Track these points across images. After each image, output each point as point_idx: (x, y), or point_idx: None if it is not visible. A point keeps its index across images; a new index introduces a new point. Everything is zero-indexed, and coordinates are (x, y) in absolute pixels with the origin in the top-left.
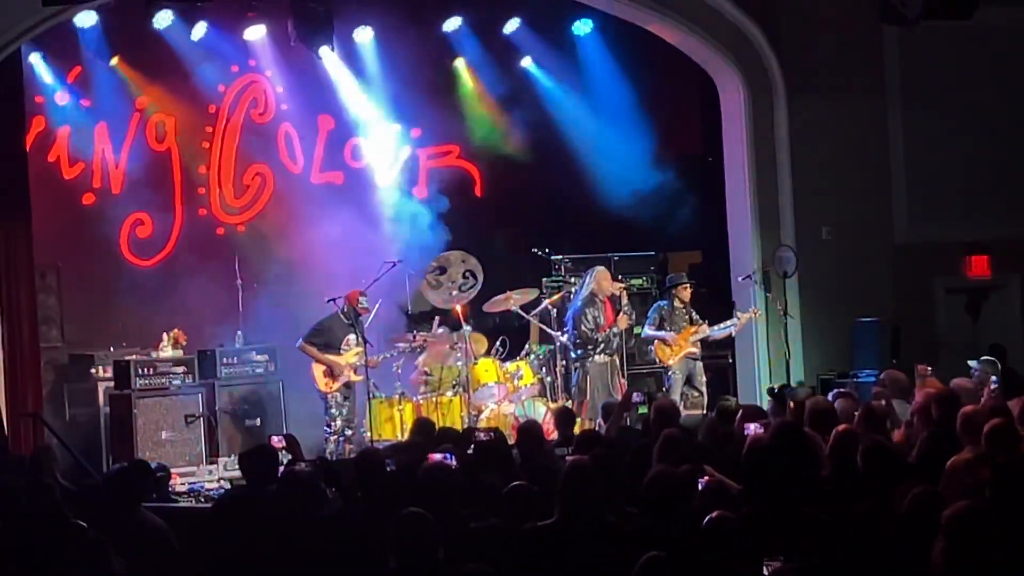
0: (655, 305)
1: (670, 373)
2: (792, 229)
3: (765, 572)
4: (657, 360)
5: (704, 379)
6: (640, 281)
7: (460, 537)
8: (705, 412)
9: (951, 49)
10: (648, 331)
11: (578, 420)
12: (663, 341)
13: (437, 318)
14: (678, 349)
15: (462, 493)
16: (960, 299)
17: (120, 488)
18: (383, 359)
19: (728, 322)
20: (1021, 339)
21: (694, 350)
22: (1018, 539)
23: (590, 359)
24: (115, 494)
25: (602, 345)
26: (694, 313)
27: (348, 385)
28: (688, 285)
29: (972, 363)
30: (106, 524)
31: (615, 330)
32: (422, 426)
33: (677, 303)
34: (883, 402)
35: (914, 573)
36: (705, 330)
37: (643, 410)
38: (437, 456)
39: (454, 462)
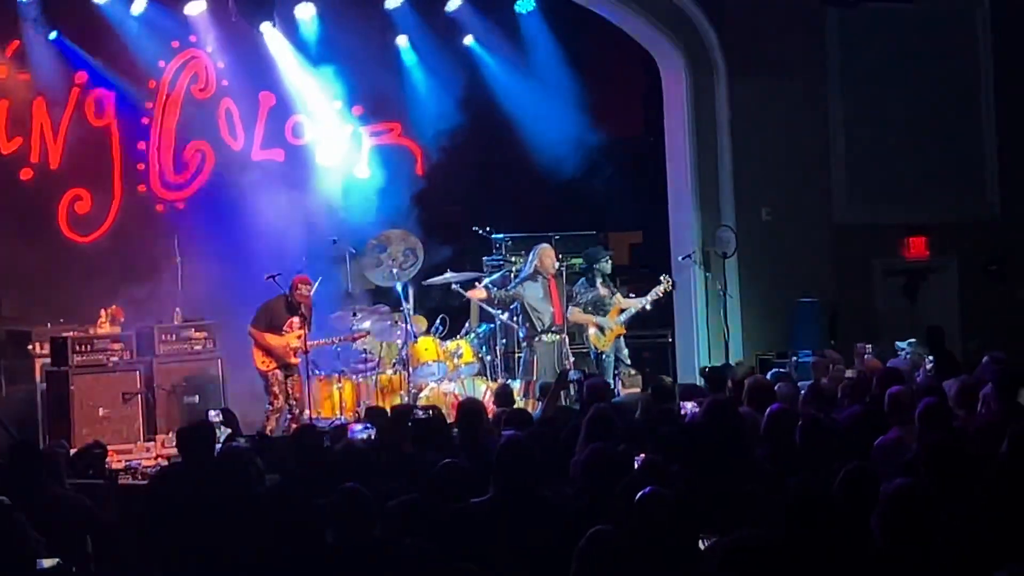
0: (578, 283)
1: (604, 356)
2: (732, 210)
3: (700, 547)
4: (593, 347)
5: (627, 352)
6: (580, 260)
7: (397, 513)
8: (642, 391)
9: (892, 32)
10: (577, 313)
11: (527, 400)
12: (599, 328)
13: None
14: (611, 334)
15: (379, 467)
16: (899, 280)
17: (21, 467)
18: (319, 345)
19: (645, 297)
20: (958, 321)
21: (622, 330)
22: (951, 516)
23: (537, 339)
24: (17, 473)
25: (548, 324)
26: (611, 284)
27: (287, 366)
28: (609, 257)
29: (900, 344)
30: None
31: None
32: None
33: (597, 276)
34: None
35: (846, 548)
36: (629, 304)
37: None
38: (357, 428)
39: (374, 434)
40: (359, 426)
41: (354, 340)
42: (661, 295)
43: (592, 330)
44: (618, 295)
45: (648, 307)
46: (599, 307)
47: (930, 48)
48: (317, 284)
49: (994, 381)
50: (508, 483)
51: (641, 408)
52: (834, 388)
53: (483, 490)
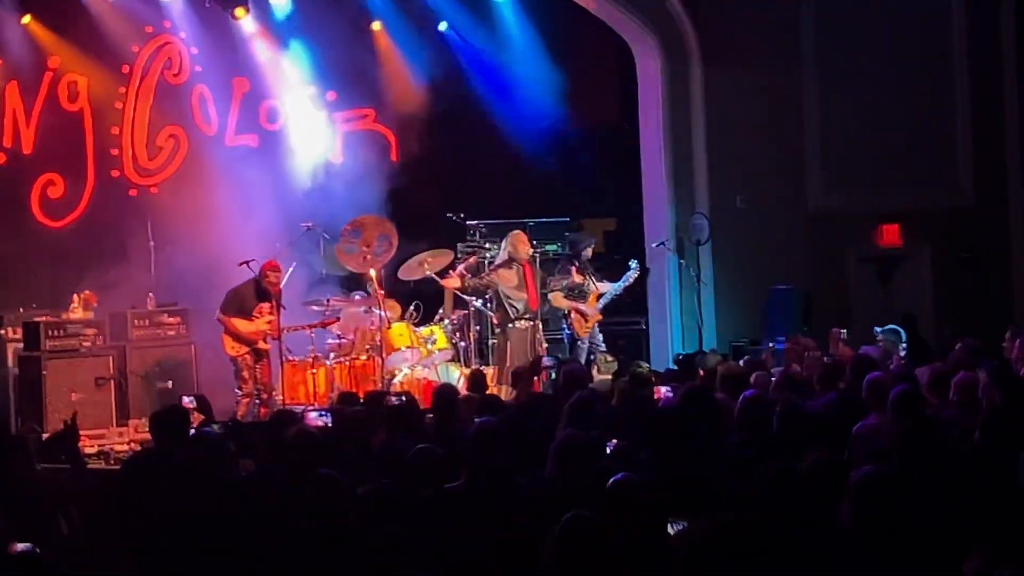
0: (560, 267)
1: (579, 342)
2: (706, 197)
3: (669, 533)
4: (574, 333)
5: (602, 338)
6: (555, 247)
7: (371, 500)
8: (614, 377)
9: (867, 21)
10: (559, 299)
11: (500, 386)
12: (581, 314)
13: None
14: (592, 320)
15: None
16: (872, 268)
17: None
18: (291, 331)
19: (618, 283)
20: (931, 308)
21: (600, 317)
22: (923, 503)
23: (511, 325)
24: None
25: (522, 310)
26: (590, 270)
27: (257, 350)
28: (591, 245)
29: (878, 329)
30: None
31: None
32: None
33: (575, 265)
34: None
35: (816, 534)
36: (605, 289)
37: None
38: (312, 415)
39: (329, 421)
40: (314, 412)
41: (325, 326)
42: (632, 281)
43: (574, 316)
44: (594, 281)
45: (620, 292)
46: (579, 294)
47: (905, 36)
48: (290, 270)
49: (990, 373)
50: (480, 469)
51: (617, 394)
52: (807, 374)
53: (457, 476)
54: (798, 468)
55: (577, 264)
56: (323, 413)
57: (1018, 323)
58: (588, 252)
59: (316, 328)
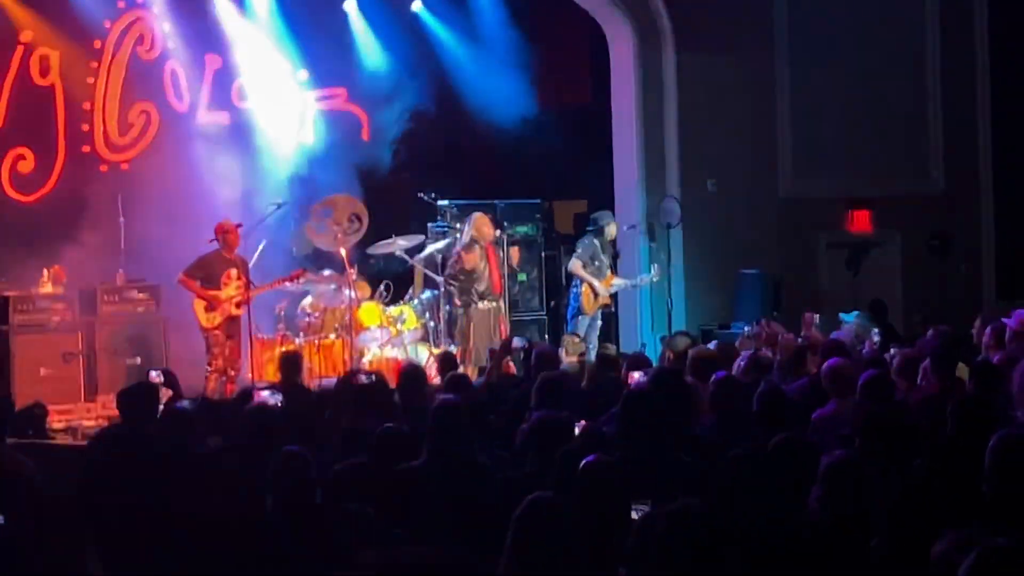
0: (587, 241)
1: (580, 318)
2: (678, 181)
3: (634, 516)
4: (580, 306)
5: (599, 325)
6: (525, 228)
7: (335, 477)
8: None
9: (839, 6)
10: (578, 267)
11: (464, 366)
12: (592, 290)
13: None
14: (600, 301)
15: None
16: (842, 253)
17: None
18: (263, 290)
19: (642, 277)
20: (901, 295)
21: (608, 302)
22: (891, 487)
23: (473, 305)
24: None
25: (485, 291)
26: (610, 253)
27: (231, 320)
28: (615, 222)
29: (845, 316)
30: None
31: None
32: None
33: (608, 243)
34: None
35: (782, 515)
36: (616, 283)
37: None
38: (264, 394)
39: (280, 400)
40: (266, 391)
41: (293, 280)
42: (643, 283)
43: (585, 289)
44: (611, 263)
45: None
46: (597, 272)
47: (877, 22)
48: (260, 248)
49: (932, 355)
50: (440, 447)
51: (587, 376)
52: (776, 357)
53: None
54: (767, 450)
55: (598, 239)
56: (274, 392)
57: (987, 310)
58: (611, 230)
59: (282, 284)
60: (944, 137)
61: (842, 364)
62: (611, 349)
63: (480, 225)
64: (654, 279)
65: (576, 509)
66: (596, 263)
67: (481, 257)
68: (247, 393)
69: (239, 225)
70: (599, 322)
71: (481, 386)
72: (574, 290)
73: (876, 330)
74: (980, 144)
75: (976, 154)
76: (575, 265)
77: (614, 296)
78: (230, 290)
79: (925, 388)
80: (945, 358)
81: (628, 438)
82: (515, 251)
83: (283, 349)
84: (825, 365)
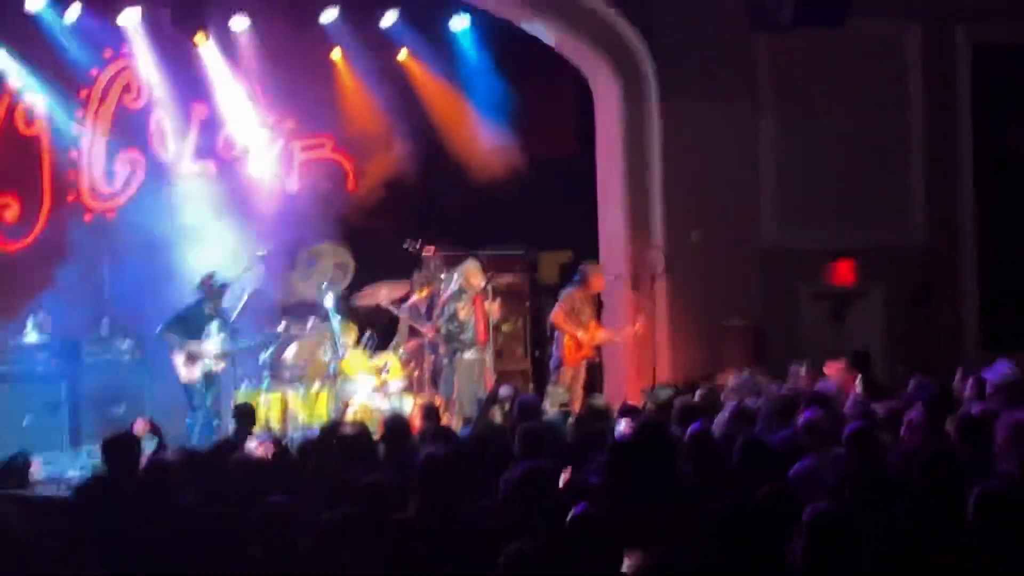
0: (567, 291)
1: (562, 369)
2: (661, 231)
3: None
4: (561, 357)
5: (583, 377)
6: (510, 278)
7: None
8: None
9: (822, 57)
10: (560, 318)
11: (449, 416)
12: (576, 342)
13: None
14: (583, 353)
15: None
16: (825, 304)
17: None
18: (246, 346)
19: (617, 335)
20: (884, 346)
21: (592, 353)
22: (876, 540)
23: (458, 355)
24: None
25: (470, 342)
26: (595, 308)
27: (211, 374)
28: (601, 274)
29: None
30: None
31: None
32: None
33: (589, 293)
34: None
35: (767, 567)
36: (604, 337)
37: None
38: (253, 445)
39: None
40: (254, 442)
41: (277, 337)
42: (627, 337)
43: (567, 341)
44: (595, 321)
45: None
46: (577, 323)
47: (860, 73)
48: (245, 297)
49: (925, 407)
50: (429, 499)
51: (574, 426)
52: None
53: (408, 506)
54: (751, 501)
55: (581, 289)
56: (264, 440)
57: (970, 360)
58: (596, 282)
59: (266, 343)
60: (926, 188)
61: (819, 417)
62: (600, 400)
63: (469, 275)
64: (638, 331)
65: (566, 559)
66: (579, 315)
67: (468, 307)
68: (231, 443)
69: (224, 285)
70: (583, 373)
71: (468, 436)
72: (556, 341)
73: (858, 381)
74: (962, 195)
75: (958, 205)
76: (556, 315)
77: (597, 347)
78: (210, 345)
79: (909, 440)
80: (938, 411)
81: (614, 488)
82: (497, 305)
83: (236, 402)
84: (801, 419)
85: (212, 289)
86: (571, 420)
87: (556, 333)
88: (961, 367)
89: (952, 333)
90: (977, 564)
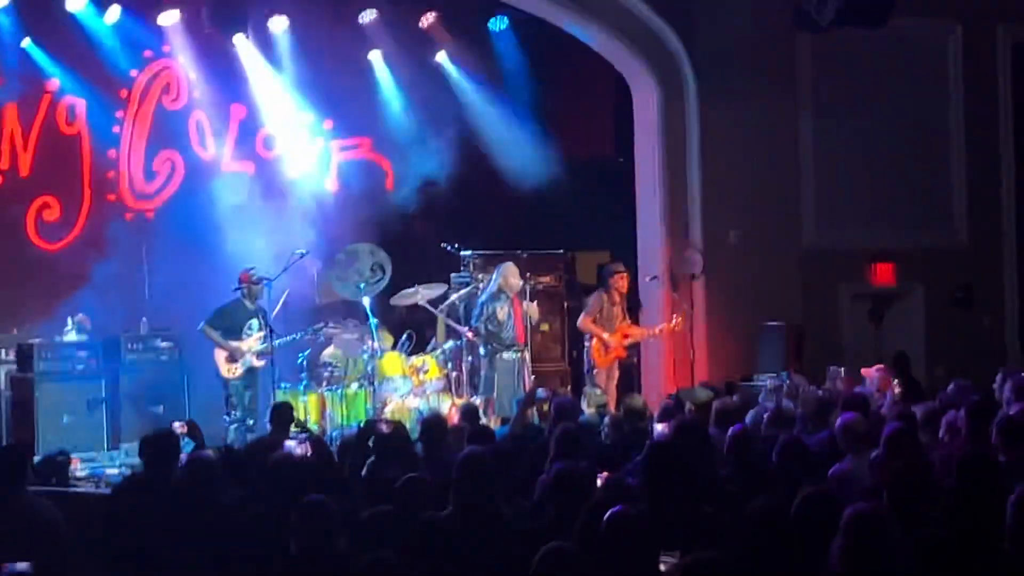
0: (595, 294)
1: (594, 372)
2: (700, 232)
3: (661, 567)
4: (591, 360)
5: (617, 376)
6: (548, 279)
7: (361, 526)
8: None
9: (863, 57)
10: (587, 323)
11: (488, 417)
12: (603, 343)
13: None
14: (613, 354)
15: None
16: (865, 306)
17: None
18: (286, 342)
19: (654, 330)
20: (924, 348)
21: (624, 354)
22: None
23: (498, 356)
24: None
25: (509, 341)
26: (625, 309)
27: (251, 371)
28: (625, 274)
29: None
30: None
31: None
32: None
33: (614, 294)
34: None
35: (805, 568)
36: (634, 333)
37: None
38: (291, 444)
39: (309, 450)
40: (293, 441)
41: (316, 334)
42: (662, 333)
43: (595, 343)
44: (627, 322)
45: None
46: (608, 325)
47: (901, 74)
48: (284, 297)
49: (967, 411)
50: (466, 498)
51: (611, 427)
52: (796, 411)
53: (445, 505)
54: (791, 503)
55: (619, 296)
56: (302, 441)
57: (1010, 364)
58: (620, 283)
59: (306, 338)
60: (968, 189)
61: (856, 420)
62: (638, 400)
63: (508, 275)
64: (676, 328)
65: (602, 561)
66: (606, 317)
67: (507, 307)
68: (270, 443)
69: (261, 279)
70: (616, 372)
71: (505, 437)
72: (586, 345)
73: (896, 381)
74: (1004, 196)
75: (1000, 206)
76: (583, 321)
77: (635, 347)
78: (251, 341)
79: (948, 443)
80: (981, 414)
81: (653, 490)
82: (535, 306)
83: (275, 401)
84: (839, 421)
85: (251, 283)
86: (607, 421)
87: (585, 337)
88: (1002, 369)
89: (992, 335)
90: (1017, 568)
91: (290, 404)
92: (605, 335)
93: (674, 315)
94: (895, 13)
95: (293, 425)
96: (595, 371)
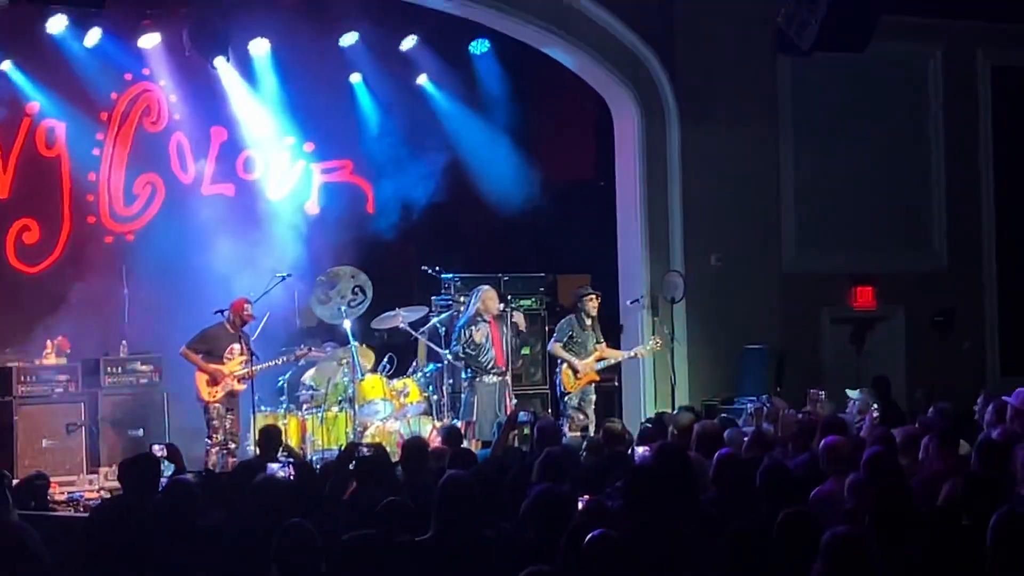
0: (564, 320)
1: (567, 398)
2: (681, 255)
3: None
4: (561, 386)
5: (594, 398)
6: (529, 302)
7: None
8: (582, 434)
9: (843, 81)
10: (557, 348)
11: (469, 440)
12: (572, 367)
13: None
14: (584, 378)
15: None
16: (846, 329)
17: None
18: (267, 367)
19: (636, 350)
20: (904, 371)
21: (597, 377)
22: (894, 566)
23: (479, 379)
24: None
25: (488, 365)
26: (599, 330)
27: (231, 395)
28: (594, 296)
29: (851, 393)
30: None
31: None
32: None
33: (585, 317)
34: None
35: None
36: (610, 355)
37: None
38: (274, 467)
39: (291, 472)
40: (276, 464)
41: (297, 360)
42: (639, 355)
43: (564, 368)
44: (603, 344)
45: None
46: (580, 348)
47: (881, 98)
48: (264, 320)
49: (937, 432)
50: (448, 522)
51: (589, 451)
52: (777, 434)
53: (427, 529)
54: (771, 525)
55: (589, 320)
56: (284, 464)
57: (990, 386)
58: (589, 306)
59: (290, 364)
60: (948, 213)
61: (839, 442)
62: (617, 424)
63: (486, 299)
64: (655, 349)
65: None
66: (580, 339)
67: (485, 331)
68: (252, 466)
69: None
70: (593, 396)
71: (487, 460)
72: (556, 370)
73: (875, 405)
74: (984, 220)
75: (980, 230)
76: (553, 347)
77: (616, 370)
78: (233, 365)
79: (928, 465)
80: (950, 435)
81: (634, 513)
82: (520, 316)
83: (264, 424)
84: (822, 443)
85: (241, 316)
86: (585, 444)
87: (558, 361)
88: (983, 392)
89: (973, 358)
90: None
91: (278, 428)
92: (574, 360)
93: (653, 336)
94: (875, 37)
95: (281, 449)
96: (568, 396)
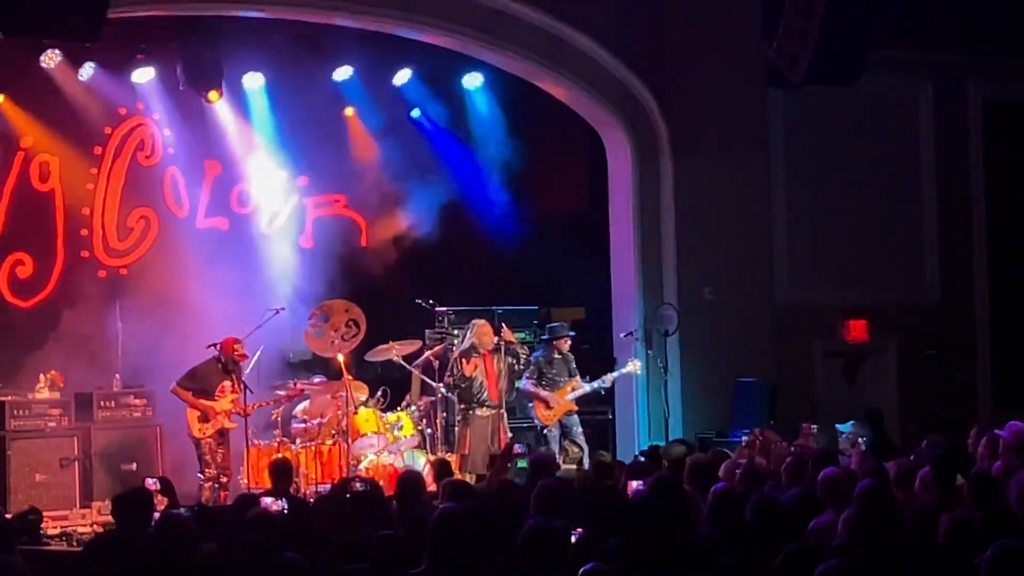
0: (533, 356)
1: (545, 432)
2: (675, 288)
3: None
4: (536, 420)
5: (581, 430)
6: (523, 335)
7: None
8: (577, 467)
9: (836, 115)
10: (527, 385)
11: (463, 474)
12: (543, 402)
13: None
14: (558, 410)
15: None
16: (838, 362)
17: None
18: (258, 407)
19: (605, 377)
20: (896, 404)
21: (572, 407)
22: None
23: (472, 413)
24: None
25: (481, 399)
26: (573, 364)
27: (222, 432)
28: (567, 338)
29: (841, 427)
30: None
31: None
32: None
33: (555, 354)
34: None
35: None
36: (581, 388)
37: (522, 463)
38: (267, 501)
39: (285, 506)
40: (269, 498)
41: (290, 399)
42: (608, 384)
43: (536, 403)
44: (576, 378)
45: (607, 385)
46: (548, 382)
47: (873, 131)
48: (258, 354)
49: (932, 465)
50: (442, 556)
51: (579, 484)
52: (769, 467)
53: (420, 562)
54: (768, 560)
55: (559, 354)
56: (279, 498)
57: (983, 419)
58: (564, 344)
59: (282, 402)
60: (940, 245)
61: (837, 474)
62: (606, 457)
63: (480, 332)
64: (635, 373)
65: None
66: (549, 375)
67: (478, 364)
68: (246, 500)
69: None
70: (579, 428)
71: (481, 493)
72: (528, 405)
73: (863, 439)
74: (976, 252)
75: (972, 263)
76: (524, 383)
77: (609, 401)
78: (224, 403)
79: (922, 499)
80: (946, 468)
81: (628, 546)
82: (507, 329)
83: (275, 456)
84: (820, 475)
85: (232, 355)
86: (576, 477)
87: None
88: (976, 425)
89: (965, 391)
90: None
91: (290, 462)
92: (542, 393)
93: (632, 359)
94: (866, 71)
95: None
96: (547, 431)
